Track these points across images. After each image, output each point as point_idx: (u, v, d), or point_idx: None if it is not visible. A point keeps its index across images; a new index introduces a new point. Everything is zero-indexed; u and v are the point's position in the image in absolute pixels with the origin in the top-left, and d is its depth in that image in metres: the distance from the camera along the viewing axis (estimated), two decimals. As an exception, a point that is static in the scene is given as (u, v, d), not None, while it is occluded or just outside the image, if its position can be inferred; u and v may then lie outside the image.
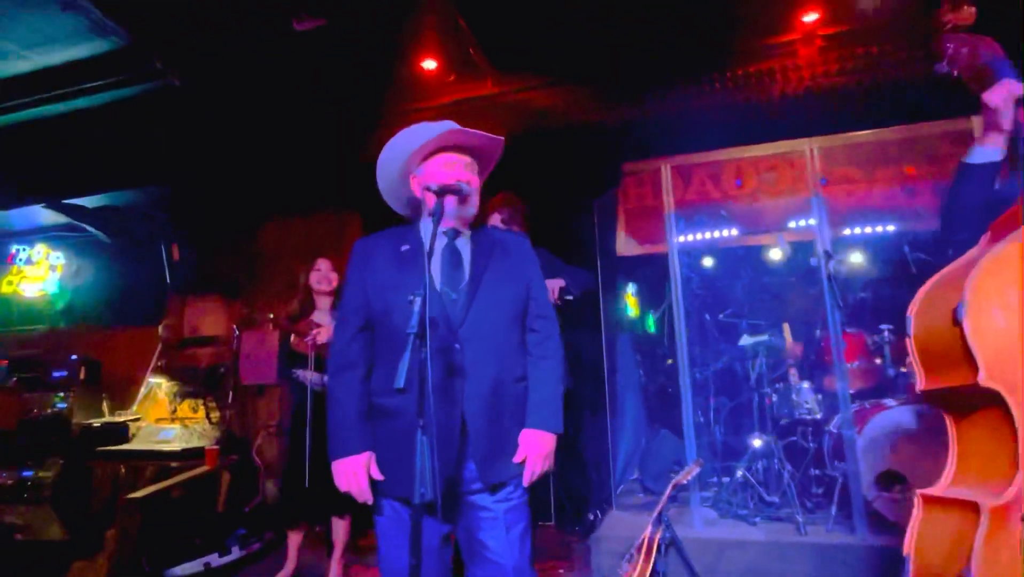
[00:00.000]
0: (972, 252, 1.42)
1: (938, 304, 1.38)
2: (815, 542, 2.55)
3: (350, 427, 1.59)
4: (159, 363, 5.27)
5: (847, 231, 3.43)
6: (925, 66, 3.56)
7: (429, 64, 3.86)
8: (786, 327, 3.41)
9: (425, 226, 1.75)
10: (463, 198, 1.66)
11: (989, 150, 1.46)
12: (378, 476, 1.57)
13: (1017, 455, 1.22)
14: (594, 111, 4.15)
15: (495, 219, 2.69)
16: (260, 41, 3.56)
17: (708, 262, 3.87)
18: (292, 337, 3.12)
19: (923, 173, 3.41)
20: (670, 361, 4.53)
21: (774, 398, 3.18)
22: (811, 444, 3.07)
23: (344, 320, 1.70)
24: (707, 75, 4.09)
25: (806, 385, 3.10)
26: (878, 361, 3.04)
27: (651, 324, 5.10)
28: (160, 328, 5.32)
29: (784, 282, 3.53)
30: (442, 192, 1.54)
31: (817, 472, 3.06)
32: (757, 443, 3.01)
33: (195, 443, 4.39)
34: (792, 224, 3.53)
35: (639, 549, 2.41)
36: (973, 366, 1.26)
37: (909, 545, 1.38)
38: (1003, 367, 1.26)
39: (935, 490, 1.39)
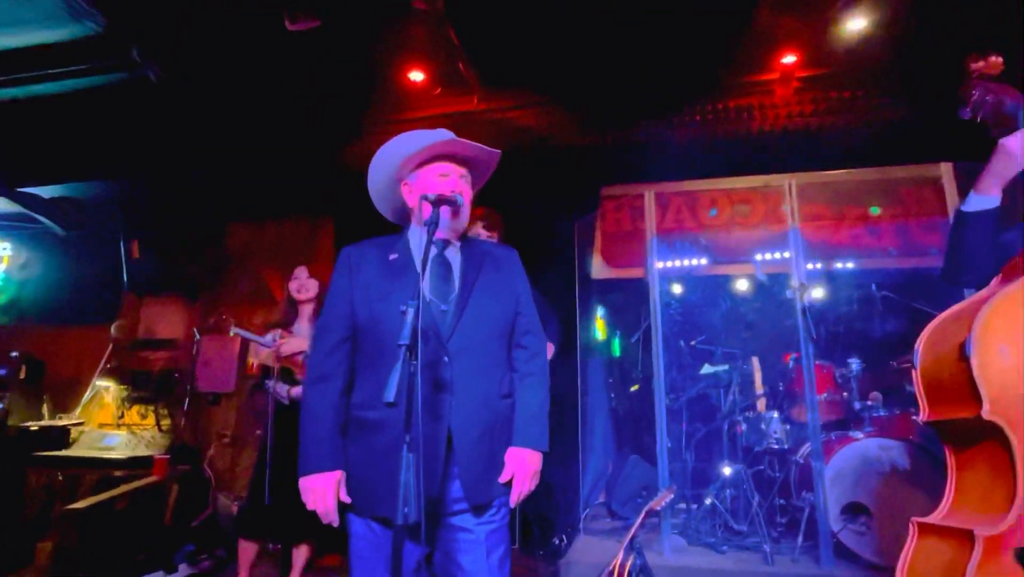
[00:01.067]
0: (983, 292, 1.46)
1: (946, 338, 1.42)
2: (782, 572, 2.56)
3: (324, 442, 1.51)
4: (109, 365, 5.00)
5: (818, 265, 3.54)
6: (895, 111, 3.75)
7: (416, 76, 3.84)
8: (755, 361, 3.47)
9: (415, 235, 1.71)
10: (456, 210, 1.63)
11: (986, 198, 1.51)
12: (345, 498, 1.50)
13: (1014, 489, 1.25)
14: (578, 134, 4.20)
15: (478, 227, 2.67)
16: (246, 39, 3.48)
17: (683, 289, 3.92)
18: (252, 345, 2.97)
19: (890, 214, 3.55)
20: (635, 387, 4.55)
21: (744, 426, 3.21)
22: (778, 473, 3.10)
23: (326, 330, 1.63)
24: (689, 107, 4.21)
25: (775, 415, 3.15)
26: (845, 394, 3.12)
27: (617, 348, 5.12)
28: (112, 328, 5.06)
29: (758, 312, 3.60)
30: (439, 202, 1.51)
31: (783, 501, 3.09)
32: (727, 471, 3.03)
33: (142, 451, 4.15)
34: (766, 256, 3.62)
35: (609, 575, 2.37)
36: (977, 400, 1.29)
37: (901, 572, 1.39)
38: (1006, 402, 1.29)
39: (931, 518, 1.40)
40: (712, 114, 4.22)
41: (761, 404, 3.35)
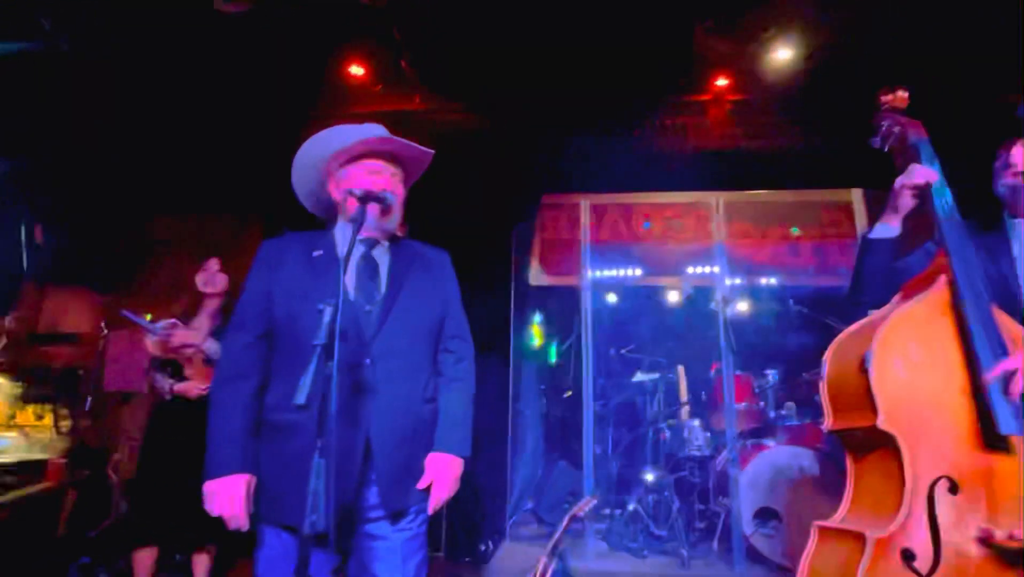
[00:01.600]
0: (884, 310, 1.55)
1: (850, 352, 1.50)
2: (697, 575, 2.64)
3: (233, 444, 1.43)
4: (1, 360, 4.56)
5: (740, 281, 3.71)
6: (815, 138, 4.00)
7: (357, 70, 3.75)
8: (681, 370, 3.59)
9: (341, 232, 1.65)
10: (386, 209, 1.58)
11: (887, 227, 1.62)
12: (250, 505, 1.42)
13: (903, 493, 1.33)
14: (519, 142, 4.23)
15: None
16: (175, 18, 3.27)
17: (615, 298, 4.00)
18: (148, 338, 2.78)
19: (809, 235, 3.77)
20: (568, 393, 4.61)
21: (667, 434, 3.31)
22: (698, 480, 3.21)
23: (241, 326, 1.55)
24: (628, 121, 4.33)
25: (697, 423, 3.26)
26: (762, 403, 3.28)
27: (552, 355, 5.18)
28: (7, 319, 4.62)
29: (685, 323, 3.73)
30: (365, 199, 1.46)
31: (702, 507, 3.20)
32: (649, 477, 3.11)
33: (36, 455, 3.80)
34: (696, 270, 3.76)
35: (533, 582, 2.37)
36: (874, 410, 1.37)
37: (802, 573, 1.45)
38: (899, 413, 1.38)
39: (830, 522, 1.47)
40: (650, 130, 4.37)
41: (685, 412, 3.46)
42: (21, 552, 3.13)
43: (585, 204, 3.10)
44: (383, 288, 1.58)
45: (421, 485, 1.54)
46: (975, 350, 1.38)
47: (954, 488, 1.34)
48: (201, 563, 2.68)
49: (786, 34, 3.41)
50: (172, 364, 2.68)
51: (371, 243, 1.63)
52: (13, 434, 4.11)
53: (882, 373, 1.39)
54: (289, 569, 1.42)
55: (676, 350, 3.56)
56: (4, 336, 4.63)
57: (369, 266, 1.61)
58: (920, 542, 1.30)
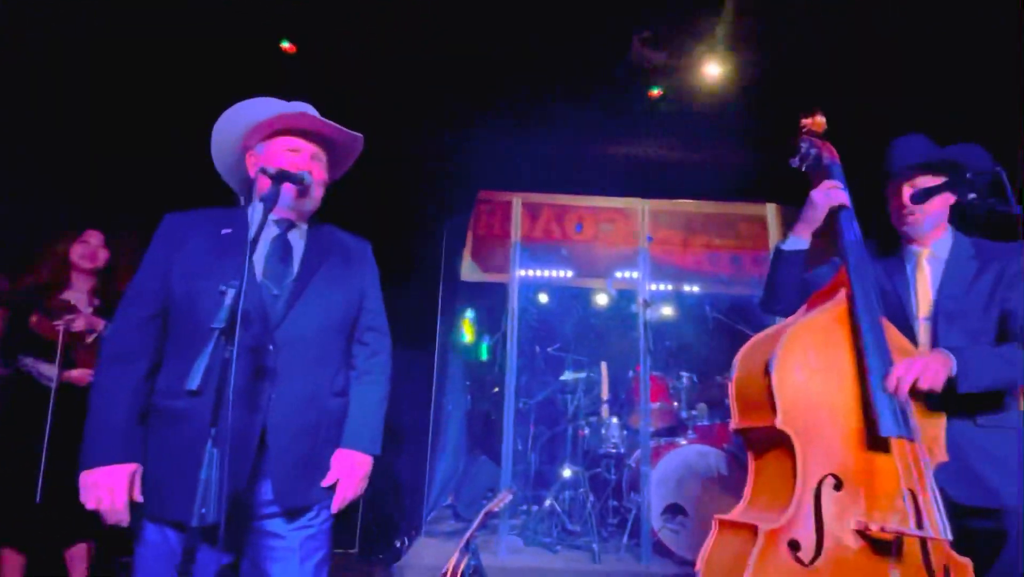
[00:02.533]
0: (791, 318, 1.65)
1: (756, 356, 1.58)
2: (607, 569, 2.71)
3: (116, 431, 1.31)
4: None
5: (662, 287, 3.84)
6: (737, 153, 4.20)
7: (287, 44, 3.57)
8: (604, 367, 3.67)
9: (255, 211, 1.55)
10: (303, 190, 1.50)
11: (799, 240, 1.72)
12: (139, 496, 1.31)
13: (794, 489, 1.41)
14: (453, 136, 4.18)
15: None
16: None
17: (543, 298, 4.05)
18: (34, 316, 2.51)
19: (726, 245, 3.96)
20: (496, 389, 4.61)
21: (586, 431, 3.38)
22: (614, 476, 3.30)
23: (134, 303, 1.42)
24: (563, 121, 4.37)
25: (615, 421, 3.35)
26: (676, 404, 3.41)
27: (484, 351, 5.18)
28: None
29: (607, 324, 3.82)
30: (279, 178, 1.37)
31: (616, 503, 3.29)
32: (566, 473, 3.16)
33: None
34: (625, 274, 3.86)
35: (444, 578, 2.35)
36: (773, 411, 1.45)
37: (700, 563, 1.51)
38: (795, 414, 1.47)
39: (729, 515, 1.54)
40: (584, 133, 4.44)
41: (605, 410, 3.54)
42: None
43: (517, 202, 3.11)
44: (294, 272, 1.50)
45: (326, 483, 1.47)
46: (865, 359, 1.49)
47: (839, 485, 1.44)
48: (78, 558, 2.45)
49: (716, 51, 3.56)
50: (47, 345, 2.41)
51: (286, 225, 1.54)
52: None
53: (782, 377, 1.48)
54: (170, 568, 1.33)
55: (599, 350, 3.64)
56: None
57: (281, 249, 1.52)
58: (805, 534, 1.39)
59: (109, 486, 1.28)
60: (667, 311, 3.87)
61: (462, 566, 2.39)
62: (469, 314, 5.13)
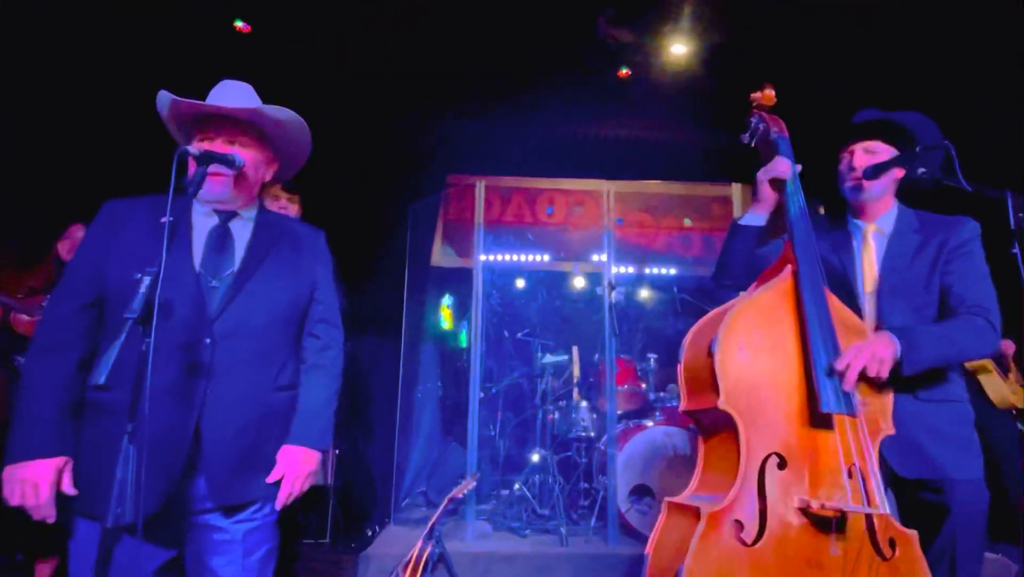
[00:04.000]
0: (742, 295, 1.63)
1: (703, 337, 1.57)
2: (575, 552, 2.72)
3: (41, 422, 1.27)
4: None
5: (631, 269, 3.83)
6: (707, 134, 4.18)
7: (242, 25, 3.46)
8: (575, 351, 3.66)
9: (196, 202, 1.50)
10: (239, 175, 1.46)
11: (756, 216, 1.70)
12: (70, 490, 1.27)
13: (738, 469, 1.40)
14: (417, 120, 4.11)
15: (278, 188, 2.47)
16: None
17: (514, 282, 4.01)
18: (12, 314, 2.51)
19: (696, 226, 3.95)
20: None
21: (556, 415, 3.37)
22: (584, 459, 3.31)
23: (66, 292, 1.37)
24: (532, 104, 4.31)
25: (584, 404, 3.35)
26: (643, 386, 3.42)
27: (464, 338, 5.14)
28: None
29: (576, 308, 3.81)
30: (202, 159, 1.32)
31: (587, 485, 3.30)
32: (536, 457, 3.16)
33: None
34: (594, 257, 3.84)
35: (405, 566, 2.34)
36: (717, 392, 1.44)
37: (650, 545, 1.51)
38: (738, 395, 1.45)
39: (678, 498, 1.54)
40: (552, 115, 4.39)
41: (576, 394, 3.54)
42: None
43: (480, 185, 3.05)
44: (236, 264, 1.45)
45: (271, 479, 1.43)
46: (807, 335, 1.48)
47: (783, 463, 1.43)
48: (43, 573, 2.41)
49: (682, 30, 3.52)
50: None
51: (228, 215, 1.49)
52: None
53: (725, 357, 1.46)
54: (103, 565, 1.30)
55: (567, 334, 3.63)
56: None
57: (221, 239, 1.47)
58: (749, 514, 1.38)
59: (33, 481, 1.24)
60: (634, 293, 3.86)
61: (426, 553, 2.38)
62: (447, 300, 5.07)
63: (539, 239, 4.00)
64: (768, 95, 1.77)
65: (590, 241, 3.78)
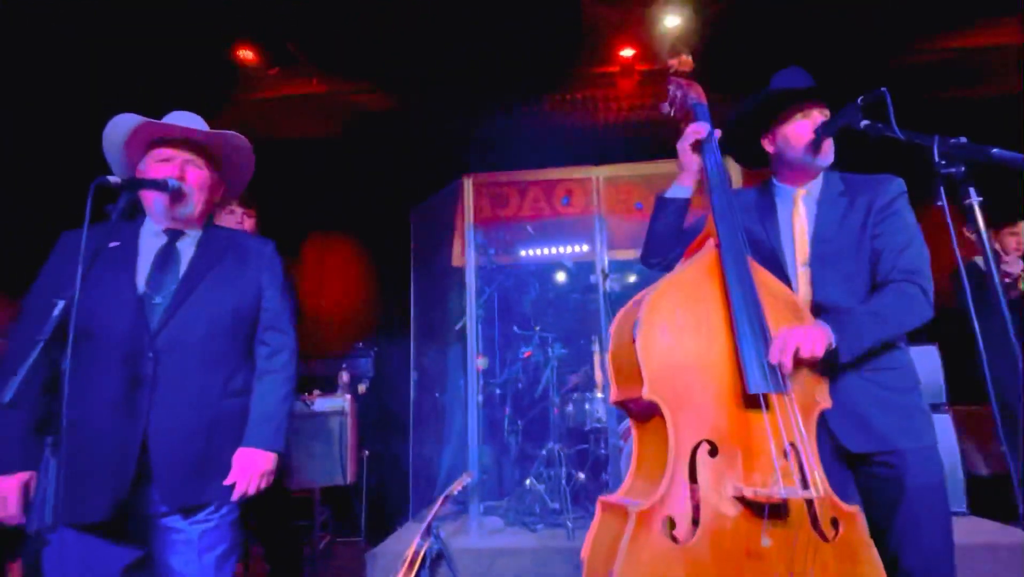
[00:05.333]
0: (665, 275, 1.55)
1: (626, 323, 1.49)
2: (579, 546, 2.67)
3: (7, 441, 1.41)
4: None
5: (622, 253, 3.61)
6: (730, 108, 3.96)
7: (246, 54, 3.66)
8: (596, 342, 3.59)
9: (147, 224, 1.63)
10: (176, 196, 1.56)
11: (680, 187, 1.62)
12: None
13: (667, 462, 1.33)
14: (425, 121, 4.18)
15: (234, 204, 2.59)
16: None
17: (511, 276, 3.98)
18: None
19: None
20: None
21: (571, 407, 3.33)
22: (603, 450, 3.25)
23: (26, 320, 1.52)
24: (536, 97, 4.28)
25: (600, 395, 3.28)
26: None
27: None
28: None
29: (581, 298, 3.73)
30: (126, 186, 1.42)
31: (607, 477, 3.24)
32: (550, 450, 3.14)
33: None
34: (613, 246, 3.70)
35: (405, 562, 2.40)
36: (641, 380, 1.36)
37: (585, 549, 1.46)
38: (662, 381, 1.37)
39: (610, 497, 1.48)
40: (560, 105, 4.33)
41: (600, 383, 3.48)
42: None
43: (468, 182, 3.06)
44: (178, 280, 1.56)
45: (227, 481, 1.53)
46: (731, 311, 1.39)
47: (714, 450, 1.35)
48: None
49: (673, 1, 3.36)
50: None
51: (174, 234, 1.61)
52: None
53: (646, 341, 1.39)
54: (69, 566, 1.43)
55: (568, 324, 3.56)
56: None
57: (167, 257, 1.58)
58: (680, 509, 1.30)
59: (2, 495, 1.38)
60: (631, 278, 3.71)
61: (423, 550, 2.43)
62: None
63: (535, 231, 3.95)
64: (685, 60, 1.68)
65: (581, 228, 3.69)
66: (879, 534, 1.42)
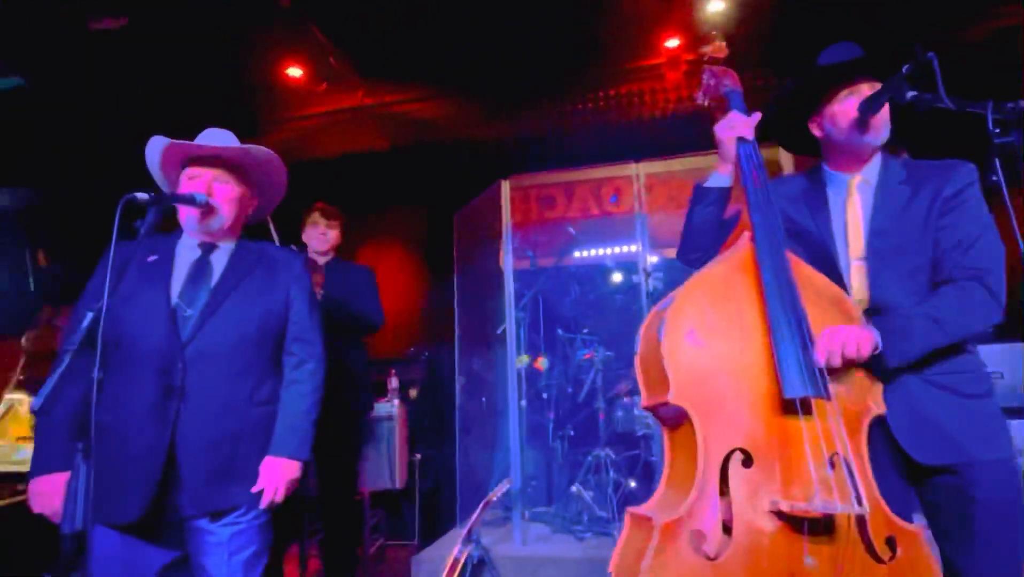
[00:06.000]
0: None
1: (654, 324, 1.40)
2: (629, 556, 2.56)
3: (53, 442, 1.49)
4: (22, 377, 4.94)
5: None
6: (765, 94, 3.74)
7: (294, 72, 3.80)
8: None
9: (183, 238, 1.71)
10: (206, 211, 1.62)
11: (719, 176, 1.51)
12: None
13: (695, 472, 1.24)
14: (469, 127, 4.19)
15: (316, 216, 2.73)
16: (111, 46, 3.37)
17: (552, 279, 3.89)
18: None
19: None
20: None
21: (619, 412, 3.22)
22: (653, 457, 3.12)
23: (72, 329, 1.62)
24: (582, 95, 4.20)
25: (650, 400, 3.15)
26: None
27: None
28: (23, 339, 4.99)
29: (626, 299, 3.60)
30: (152, 202, 1.48)
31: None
32: (597, 456, 3.05)
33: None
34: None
35: (446, 568, 2.38)
36: (668, 384, 1.27)
37: (612, 562, 1.38)
38: (690, 385, 1.27)
39: (639, 508, 1.40)
40: (604, 101, 4.22)
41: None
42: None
43: (506, 186, 3.03)
44: (209, 292, 1.61)
45: (255, 489, 1.56)
46: (767, 309, 1.27)
47: (748, 460, 1.24)
48: None
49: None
50: None
51: (208, 247, 1.67)
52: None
53: (672, 343, 1.29)
54: (113, 565, 1.50)
55: (609, 326, 3.43)
56: (23, 355, 5.02)
57: (198, 271, 1.65)
58: (710, 522, 1.21)
59: (49, 492, 1.46)
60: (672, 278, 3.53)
61: (464, 556, 2.41)
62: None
63: (578, 232, 3.85)
64: (719, 46, 1.57)
65: (624, 229, 3.56)
66: (945, 556, 1.27)
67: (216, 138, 1.74)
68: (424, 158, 4.13)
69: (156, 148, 1.66)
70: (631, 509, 1.38)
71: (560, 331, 3.46)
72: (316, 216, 2.74)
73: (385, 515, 3.82)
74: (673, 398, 1.27)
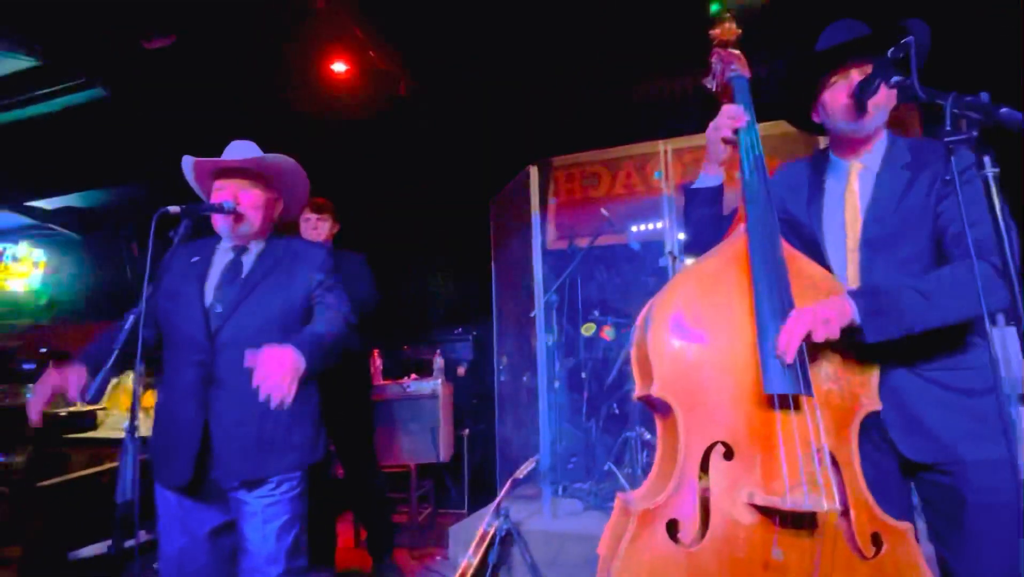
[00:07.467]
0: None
1: (646, 314, 1.43)
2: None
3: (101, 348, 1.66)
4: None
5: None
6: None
7: (339, 67, 3.93)
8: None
9: (221, 242, 1.89)
10: (237, 217, 1.79)
11: (707, 176, 1.48)
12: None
13: (676, 462, 1.27)
14: (505, 110, 4.19)
15: (308, 211, 2.84)
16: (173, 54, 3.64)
17: (582, 262, 3.88)
18: None
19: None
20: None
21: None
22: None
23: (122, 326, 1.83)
24: (620, 76, 4.09)
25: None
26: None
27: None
28: (129, 319, 5.58)
29: (658, 282, 3.54)
30: (184, 214, 1.64)
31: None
32: (628, 437, 3.07)
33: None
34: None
35: (475, 540, 2.52)
36: (652, 376, 1.30)
37: (601, 544, 1.44)
38: (673, 378, 1.29)
39: (627, 493, 1.44)
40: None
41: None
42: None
43: (534, 171, 3.03)
44: (237, 288, 1.79)
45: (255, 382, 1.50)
46: (754, 303, 1.25)
47: (729, 453, 1.26)
48: None
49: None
50: None
51: (239, 249, 1.86)
52: (141, 414, 5.01)
53: (657, 336, 1.32)
54: (173, 522, 1.75)
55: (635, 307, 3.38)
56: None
57: (231, 271, 1.84)
58: (687, 512, 1.24)
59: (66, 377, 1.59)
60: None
61: (492, 529, 2.53)
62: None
63: (612, 214, 3.80)
64: (728, 28, 1.50)
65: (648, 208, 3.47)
66: (941, 556, 1.23)
67: (239, 151, 1.89)
68: (463, 144, 4.19)
69: (188, 165, 1.85)
70: (620, 494, 1.43)
71: (596, 312, 3.47)
72: (306, 210, 2.84)
73: (434, 485, 4.04)
74: (656, 391, 1.30)
